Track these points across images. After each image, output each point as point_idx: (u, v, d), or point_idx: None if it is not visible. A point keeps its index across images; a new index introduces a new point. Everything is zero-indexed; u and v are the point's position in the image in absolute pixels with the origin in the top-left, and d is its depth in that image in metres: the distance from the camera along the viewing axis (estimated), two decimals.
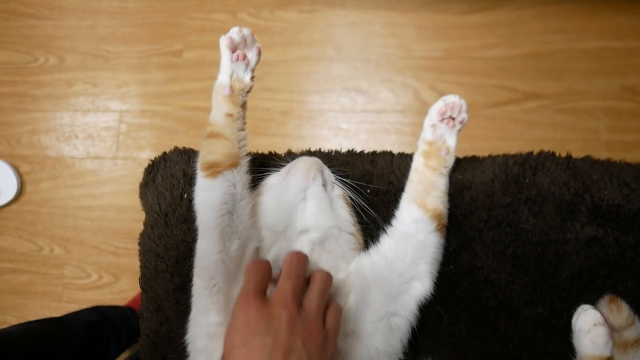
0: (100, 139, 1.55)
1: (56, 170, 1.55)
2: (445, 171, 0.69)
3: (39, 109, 1.58)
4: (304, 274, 0.54)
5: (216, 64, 0.64)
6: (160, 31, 1.55)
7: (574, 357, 0.65)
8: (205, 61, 1.44)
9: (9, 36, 1.64)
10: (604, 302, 0.65)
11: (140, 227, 0.79)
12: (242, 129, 0.66)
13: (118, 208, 1.49)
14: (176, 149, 0.83)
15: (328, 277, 0.55)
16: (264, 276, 0.52)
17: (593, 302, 0.66)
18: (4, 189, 1.53)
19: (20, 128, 1.58)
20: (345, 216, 0.68)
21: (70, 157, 1.55)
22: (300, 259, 0.54)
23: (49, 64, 1.60)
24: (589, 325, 0.63)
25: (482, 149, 0.78)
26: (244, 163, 0.65)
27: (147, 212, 0.83)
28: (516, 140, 0.74)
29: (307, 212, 0.65)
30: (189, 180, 0.76)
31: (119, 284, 1.45)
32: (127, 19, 1.58)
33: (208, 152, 0.63)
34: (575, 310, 0.66)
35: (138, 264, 0.79)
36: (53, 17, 1.63)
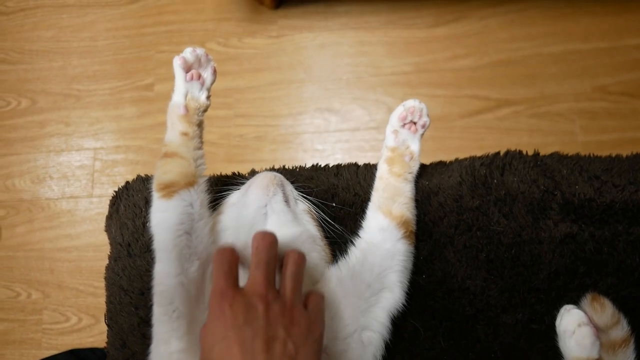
0: (75, 178, 1.52)
1: (31, 213, 1.52)
2: (410, 177, 0.67)
3: (12, 153, 1.57)
4: (274, 258, 0.51)
5: None
6: (130, 66, 1.55)
7: None
8: None
9: None
10: (586, 301, 0.62)
11: None
12: (199, 148, 0.65)
13: (95, 247, 1.45)
14: (138, 177, 0.82)
15: (301, 258, 0.53)
16: (231, 265, 0.50)
17: (574, 302, 0.63)
18: None
19: None
20: (311, 230, 0.66)
21: (46, 198, 1.52)
22: (268, 243, 0.51)
23: (21, 107, 1.59)
24: (573, 326, 0.60)
25: None
26: (202, 182, 0.63)
27: (111, 245, 0.81)
28: (493, 149, 0.73)
29: (269, 228, 0.63)
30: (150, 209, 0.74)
31: (99, 326, 1.40)
32: (97, 57, 1.58)
33: (163, 172, 0.61)
34: (556, 312, 0.63)
35: None
36: (24, 60, 1.63)
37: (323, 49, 1.47)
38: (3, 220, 1.53)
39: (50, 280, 1.46)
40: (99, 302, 1.42)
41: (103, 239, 1.45)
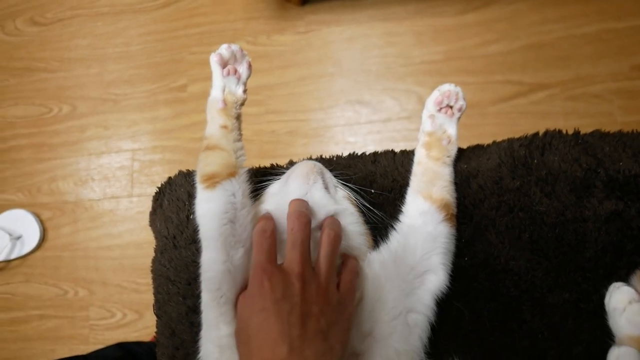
0: (115, 179, 1.57)
1: (75, 214, 1.58)
2: (449, 160, 0.67)
3: (56, 157, 1.63)
4: (308, 237, 0.55)
5: None
6: (164, 69, 1.60)
7: (612, 341, 0.61)
8: (209, 92, 1.46)
9: (24, 91, 1.70)
10: (635, 277, 0.61)
11: None
12: (239, 140, 0.66)
13: (136, 245, 1.50)
14: (180, 172, 0.84)
15: (336, 238, 0.56)
16: (271, 245, 0.54)
17: (623, 280, 0.62)
18: (27, 238, 1.57)
19: (39, 177, 1.63)
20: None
21: (88, 199, 1.58)
22: (302, 223, 0.54)
23: (62, 113, 1.66)
24: (623, 303, 0.59)
25: None
26: (243, 172, 0.64)
27: (156, 238, 0.83)
28: (528, 134, 0.72)
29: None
30: (194, 201, 0.76)
31: (143, 321, 1.45)
32: (132, 62, 1.63)
33: (206, 164, 0.63)
34: (605, 290, 0.62)
35: None
36: (63, 68, 1.70)
37: (351, 42, 1.48)
38: (49, 221, 1.59)
39: (96, 278, 1.52)
40: (142, 298, 1.47)
41: (143, 237, 1.51)
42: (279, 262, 0.55)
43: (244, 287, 0.59)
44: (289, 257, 0.53)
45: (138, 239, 1.51)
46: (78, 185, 1.60)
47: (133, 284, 1.48)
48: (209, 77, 1.59)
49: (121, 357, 1.10)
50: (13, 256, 1.57)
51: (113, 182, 1.58)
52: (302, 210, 0.56)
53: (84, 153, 1.62)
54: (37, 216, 1.59)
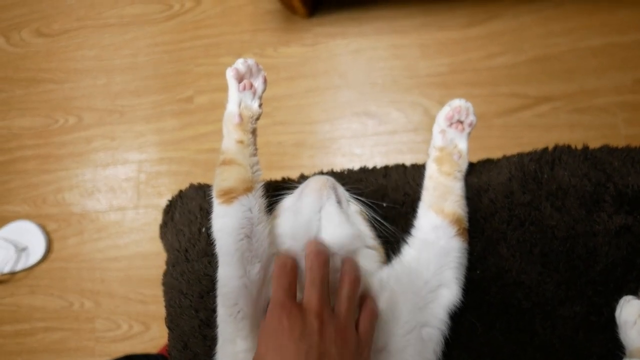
0: (122, 191, 1.58)
1: (81, 226, 1.58)
2: (460, 175, 0.68)
3: (62, 168, 1.63)
4: (327, 275, 0.54)
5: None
6: (170, 80, 1.60)
7: (623, 354, 0.62)
8: (216, 104, 1.48)
9: (30, 102, 1.71)
10: None
11: None
12: (254, 155, 0.67)
13: (143, 256, 1.50)
14: (192, 185, 0.84)
15: (356, 280, 0.56)
16: (291, 281, 0.53)
17: (633, 293, 0.63)
18: (33, 249, 1.57)
19: (45, 188, 1.63)
20: (364, 231, 0.67)
21: (94, 211, 1.59)
22: (321, 262, 0.55)
23: (69, 124, 1.66)
24: (634, 316, 0.60)
25: None
26: (259, 187, 0.65)
27: (167, 251, 0.84)
28: (533, 146, 0.72)
29: (324, 230, 0.64)
30: (206, 215, 0.76)
31: (149, 333, 1.44)
32: (139, 73, 1.64)
33: (222, 179, 0.63)
34: (615, 303, 0.63)
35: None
36: (69, 79, 1.70)
37: (357, 54, 1.49)
38: (55, 233, 1.59)
39: (102, 289, 1.52)
40: (148, 309, 1.47)
41: (150, 248, 1.51)
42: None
43: (260, 302, 0.60)
44: (307, 294, 0.53)
45: (144, 250, 1.51)
46: (84, 197, 1.60)
47: (139, 295, 1.48)
48: (216, 89, 1.61)
49: None
50: (18, 268, 1.57)
51: (119, 194, 1.58)
52: (321, 249, 0.56)
53: (90, 164, 1.62)
54: (43, 227, 1.59)
